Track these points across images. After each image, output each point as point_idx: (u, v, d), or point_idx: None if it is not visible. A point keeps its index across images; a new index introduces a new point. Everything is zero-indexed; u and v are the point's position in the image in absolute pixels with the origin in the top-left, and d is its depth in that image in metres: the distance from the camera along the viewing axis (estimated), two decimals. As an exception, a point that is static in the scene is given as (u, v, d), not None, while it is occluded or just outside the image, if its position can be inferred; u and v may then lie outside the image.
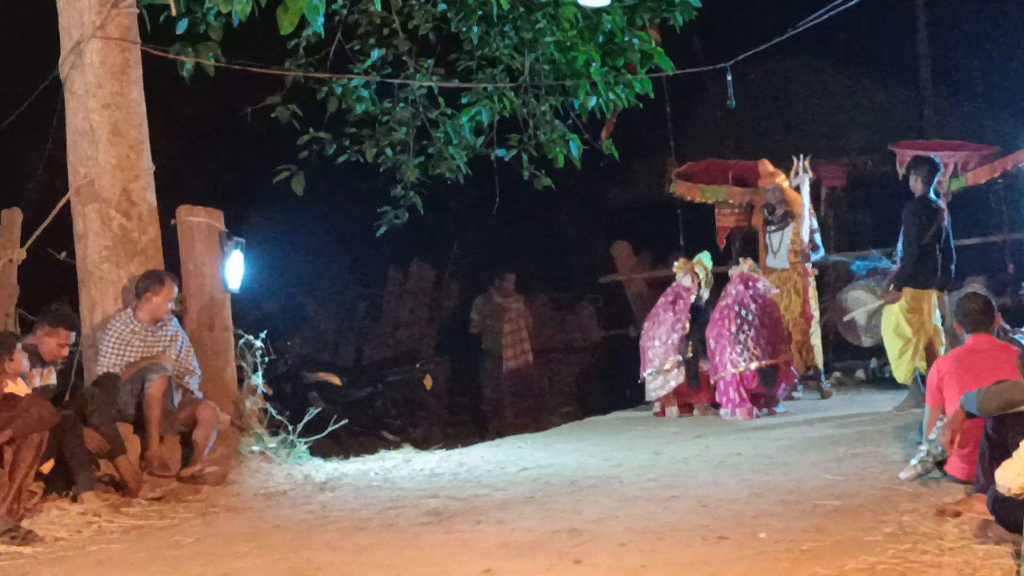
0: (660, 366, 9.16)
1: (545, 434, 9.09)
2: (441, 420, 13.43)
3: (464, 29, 9.00)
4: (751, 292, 9.02)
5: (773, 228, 10.22)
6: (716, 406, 9.08)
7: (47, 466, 6.01)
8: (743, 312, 8.89)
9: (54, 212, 7.43)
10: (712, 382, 9.06)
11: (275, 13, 7.07)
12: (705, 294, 9.42)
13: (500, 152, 9.39)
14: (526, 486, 6.45)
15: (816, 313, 10.10)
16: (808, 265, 10.04)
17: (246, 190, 12.54)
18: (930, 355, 8.07)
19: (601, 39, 9.00)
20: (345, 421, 8.70)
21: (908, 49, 15.30)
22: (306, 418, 7.94)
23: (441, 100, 9.34)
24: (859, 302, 10.24)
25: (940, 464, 5.69)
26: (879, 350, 9.64)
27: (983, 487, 4.84)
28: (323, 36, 8.38)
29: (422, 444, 9.57)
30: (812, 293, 10.11)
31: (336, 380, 12.25)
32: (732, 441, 7.63)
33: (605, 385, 13.23)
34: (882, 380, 10.34)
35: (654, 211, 12.98)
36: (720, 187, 11.48)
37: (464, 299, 13.99)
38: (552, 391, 14.21)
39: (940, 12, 15.12)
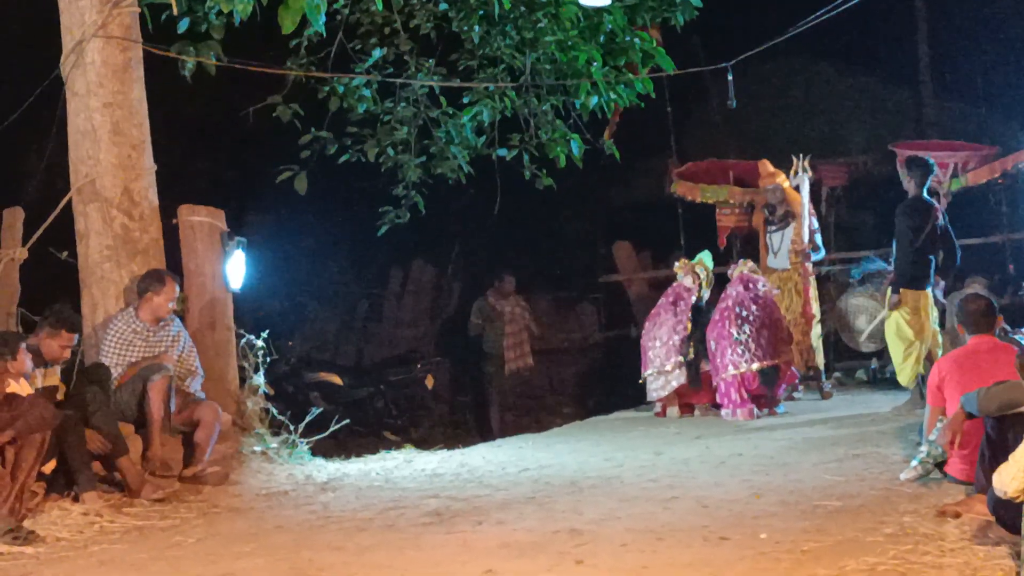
0: (661, 367, 9.16)
1: (546, 434, 9.10)
2: (442, 420, 13.44)
3: (465, 28, 9.00)
4: (751, 294, 9.02)
5: (774, 228, 10.21)
6: (717, 407, 9.08)
7: (49, 466, 6.01)
8: (743, 313, 8.89)
9: (56, 211, 7.44)
10: (713, 383, 9.07)
11: (276, 12, 7.07)
12: (706, 294, 9.42)
13: (501, 152, 9.38)
14: (527, 486, 6.46)
15: (817, 313, 10.09)
16: (809, 265, 10.04)
17: (247, 189, 12.55)
18: (930, 359, 8.06)
19: (602, 39, 9.00)
20: (347, 421, 8.71)
21: (908, 49, 15.30)
22: (308, 418, 7.95)
23: (442, 99, 9.34)
24: (860, 308, 10.19)
25: (940, 465, 5.70)
26: (880, 351, 9.64)
27: (983, 488, 4.84)
28: (324, 35, 8.36)
29: (423, 444, 9.58)
30: (813, 293, 10.08)
31: (337, 380, 12.24)
32: (733, 442, 7.63)
33: (606, 385, 13.22)
34: (883, 381, 10.33)
35: (655, 211, 12.99)
36: (721, 187, 11.49)
37: (465, 299, 13.98)
38: (553, 391, 14.22)
39: (940, 12, 15.10)
